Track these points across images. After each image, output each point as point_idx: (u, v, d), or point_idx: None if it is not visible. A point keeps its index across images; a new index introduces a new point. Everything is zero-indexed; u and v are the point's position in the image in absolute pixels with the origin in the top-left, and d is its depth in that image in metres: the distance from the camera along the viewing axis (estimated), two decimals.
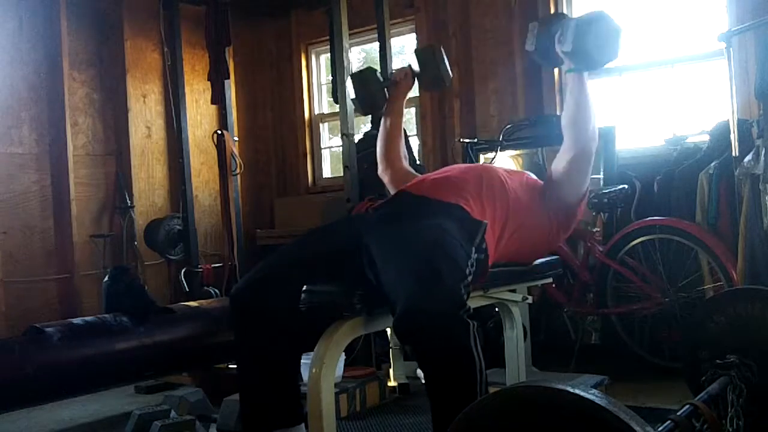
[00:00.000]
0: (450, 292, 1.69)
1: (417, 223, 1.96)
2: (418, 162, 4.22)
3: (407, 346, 2.38)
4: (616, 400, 1.10)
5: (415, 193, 2.19)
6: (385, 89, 2.55)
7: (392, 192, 2.47)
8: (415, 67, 2.54)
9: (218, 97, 4.13)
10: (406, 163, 2.65)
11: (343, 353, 2.41)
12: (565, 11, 4.19)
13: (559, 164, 2.25)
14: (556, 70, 4.18)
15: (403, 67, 2.62)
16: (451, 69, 2.58)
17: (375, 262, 1.89)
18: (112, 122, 4.70)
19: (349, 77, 2.66)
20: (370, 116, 3.90)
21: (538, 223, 2.24)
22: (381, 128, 2.61)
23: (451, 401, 1.62)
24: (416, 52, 2.57)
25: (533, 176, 2.41)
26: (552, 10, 4.16)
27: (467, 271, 1.83)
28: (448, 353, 1.64)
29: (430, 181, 2.23)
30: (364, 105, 2.59)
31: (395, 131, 2.60)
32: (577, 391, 1.09)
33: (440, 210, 2.05)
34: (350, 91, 2.62)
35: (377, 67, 3.27)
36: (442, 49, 2.52)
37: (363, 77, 2.56)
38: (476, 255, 1.93)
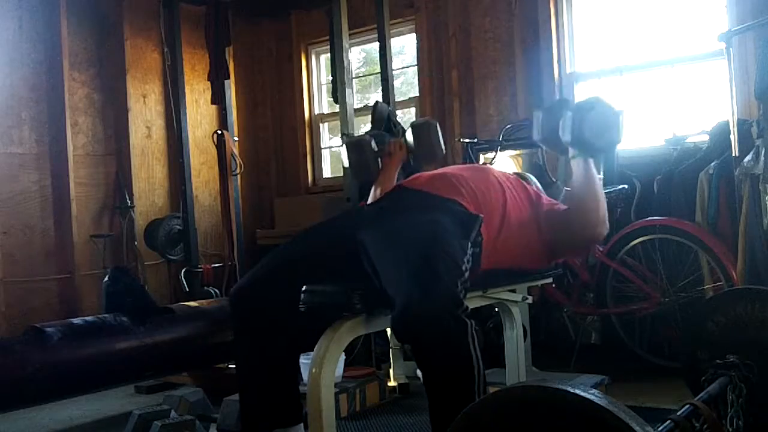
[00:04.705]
0: (447, 291, 1.68)
1: (413, 218, 1.96)
2: None
3: (405, 345, 2.36)
4: (616, 400, 1.10)
5: (412, 188, 2.19)
6: (379, 159, 2.56)
7: None
8: (410, 139, 2.55)
9: (218, 97, 4.13)
10: None
11: (343, 353, 2.40)
12: (564, 12, 4.20)
13: (569, 225, 2.16)
14: (555, 70, 4.18)
15: (397, 139, 2.64)
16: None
17: (372, 258, 1.89)
18: (112, 122, 4.70)
19: (344, 145, 2.68)
20: (370, 117, 3.90)
21: (532, 228, 2.20)
22: (371, 196, 2.56)
23: (449, 401, 1.62)
24: (412, 125, 2.59)
25: (533, 181, 2.40)
26: (552, 11, 4.17)
27: (464, 267, 1.82)
28: (445, 353, 1.64)
29: (427, 177, 2.23)
30: (357, 172, 2.62)
31: None
32: (577, 391, 1.09)
33: (436, 205, 2.04)
34: (344, 160, 2.65)
35: (377, 68, 3.27)
36: (437, 125, 2.54)
37: (358, 145, 2.58)
38: (472, 249, 1.91)
